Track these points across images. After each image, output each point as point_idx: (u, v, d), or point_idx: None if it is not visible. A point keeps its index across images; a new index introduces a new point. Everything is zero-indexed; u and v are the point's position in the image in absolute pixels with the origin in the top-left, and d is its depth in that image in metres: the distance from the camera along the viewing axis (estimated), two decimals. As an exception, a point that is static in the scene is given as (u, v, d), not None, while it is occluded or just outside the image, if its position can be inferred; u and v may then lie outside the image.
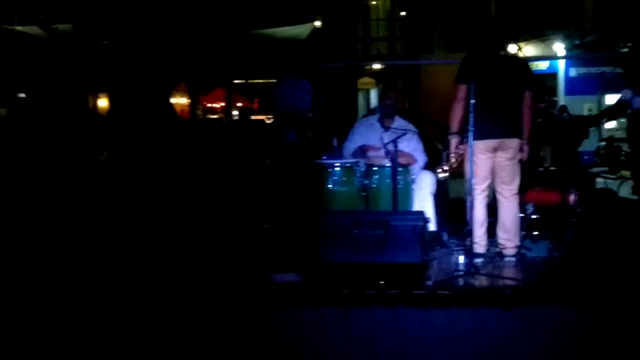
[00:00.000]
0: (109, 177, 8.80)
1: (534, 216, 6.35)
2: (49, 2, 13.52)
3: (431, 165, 6.35)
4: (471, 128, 5.32)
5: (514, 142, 5.76)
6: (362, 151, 6.43)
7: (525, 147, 5.79)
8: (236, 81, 27.96)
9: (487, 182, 5.82)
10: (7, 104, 16.84)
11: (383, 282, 4.92)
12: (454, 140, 5.75)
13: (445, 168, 5.76)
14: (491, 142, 5.71)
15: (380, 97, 6.86)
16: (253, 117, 25.95)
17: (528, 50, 16.40)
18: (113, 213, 7.53)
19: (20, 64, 10.68)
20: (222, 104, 30.61)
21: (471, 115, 5.31)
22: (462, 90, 5.63)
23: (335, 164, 6.16)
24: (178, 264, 5.66)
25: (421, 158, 6.50)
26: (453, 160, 5.73)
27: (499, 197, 5.88)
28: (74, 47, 10.22)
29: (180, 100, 28.70)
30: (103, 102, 20.53)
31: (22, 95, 17.55)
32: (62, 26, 11.21)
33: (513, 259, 5.77)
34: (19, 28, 16.97)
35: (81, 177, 9.08)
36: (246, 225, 7.16)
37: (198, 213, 8.09)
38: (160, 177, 9.22)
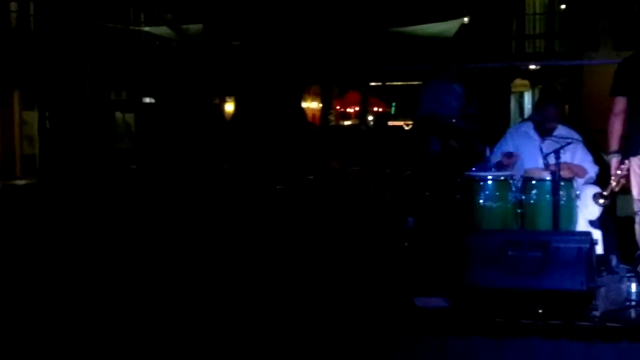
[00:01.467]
0: (231, 189, 9.10)
1: None
2: (179, 1, 14.10)
3: (596, 182, 6.16)
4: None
5: None
6: (505, 160, 6.28)
7: None
8: (372, 83, 28.13)
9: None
10: (135, 109, 17.72)
11: (542, 311, 4.82)
12: (614, 160, 5.56)
13: (606, 194, 5.56)
14: None
15: (538, 108, 6.69)
16: (390, 123, 26.00)
17: None
18: (238, 229, 7.79)
19: (147, 66, 11.22)
20: (357, 108, 30.89)
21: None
22: (620, 102, 5.45)
23: (488, 177, 6.08)
24: (313, 280, 5.78)
25: (592, 169, 6.29)
26: (614, 184, 5.52)
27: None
28: (204, 49, 10.63)
29: (311, 105, 29.26)
30: (229, 107, 21.26)
31: (149, 100, 18.43)
32: (192, 26, 11.67)
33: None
34: (146, 29, 17.78)
35: (204, 188, 9.44)
36: (384, 243, 7.19)
37: (331, 227, 8.21)
38: (288, 189, 9.44)
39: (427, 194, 7.02)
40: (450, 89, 7.13)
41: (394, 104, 31.04)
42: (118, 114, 18.65)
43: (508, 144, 6.52)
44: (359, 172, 11.87)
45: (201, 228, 8.02)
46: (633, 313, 4.93)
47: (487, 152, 6.26)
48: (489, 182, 6.07)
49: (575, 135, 6.35)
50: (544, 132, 6.34)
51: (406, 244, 6.82)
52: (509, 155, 6.21)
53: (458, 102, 7.06)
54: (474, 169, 6.27)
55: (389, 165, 11.58)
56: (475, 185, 6.09)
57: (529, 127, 6.52)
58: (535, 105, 6.78)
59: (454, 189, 6.35)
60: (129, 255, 6.86)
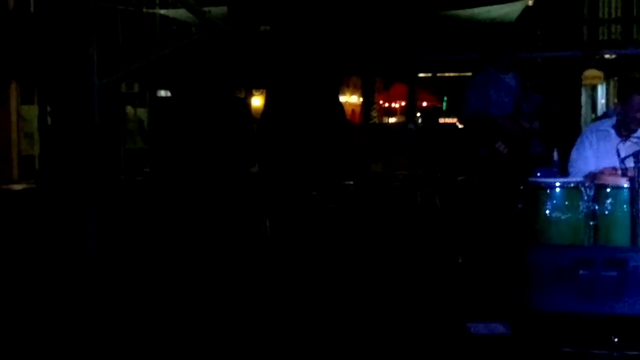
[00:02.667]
0: (259, 196, 9.13)
1: None
2: (199, -21, 14.22)
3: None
4: None
5: None
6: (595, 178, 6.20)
7: None
8: (421, 75, 28.06)
9: None
10: (148, 103, 17.86)
11: (618, 339, 4.77)
12: None
13: None
14: None
15: (621, 101, 6.60)
16: (441, 121, 25.95)
17: None
18: (268, 242, 7.82)
19: (163, 55, 11.27)
20: (403, 103, 30.88)
21: None
22: None
23: (555, 184, 6.04)
24: (353, 301, 5.78)
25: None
26: None
27: None
28: (228, 34, 10.69)
29: (350, 99, 29.30)
30: (257, 101, 21.35)
31: (164, 93, 18.55)
32: (215, 9, 11.73)
33: None
34: (162, 11, 17.87)
35: (228, 195, 9.48)
36: (434, 258, 7.18)
37: (373, 239, 8.22)
38: (324, 195, 9.45)
39: (484, 202, 6.98)
40: (499, 83, 7.07)
41: (445, 98, 30.94)
42: (129, 109, 18.81)
43: (584, 148, 6.41)
44: (405, 177, 11.86)
45: (225, 241, 8.06)
46: None
47: (555, 155, 6.22)
48: (557, 189, 6.02)
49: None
50: (627, 130, 6.25)
51: (460, 260, 6.80)
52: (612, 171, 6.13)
53: (510, 97, 6.99)
54: (538, 174, 6.23)
55: (439, 169, 11.55)
56: (540, 193, 6.04)
57: (608, 125, 6.44)
58: (619, 98, 6.70)
59: (515, 198, 6.31)
60: (140, 278, 6.94)
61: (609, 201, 5.94)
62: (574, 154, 6.41)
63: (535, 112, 6.94)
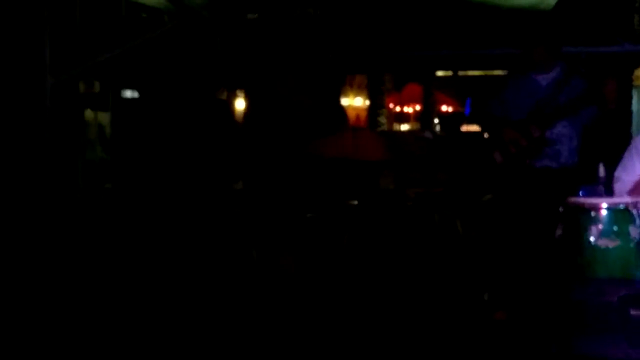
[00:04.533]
0: (245, 218, 9.12)
1: None
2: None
3: None
4: None
5: None
6: None
7: None
8: (440, 73, 28.12)
9: None
10: (111, 105, 17.83)
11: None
12: None
13: None
14: None
15: None
16: (464, 128, 25.98)
17: None
18: (255, 275, 7.83)
19: (129, 48, 11.25)
20: (418, 107, 30.92)
21: None
22: None
23: (601, 205, 6.03)
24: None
25: None
26: None
27: None
28: (208, 23, 10.71)
29: (354, 102, 29.31)
30: (242, 104, 21.37)
31: (130, 94, 18.58)
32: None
33: None
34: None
35: (208, 217, 9.47)
36: (456, 294, 7.18)
37: (381, 270, 8.22)
38: (322, 217, 9.44)
39: (514, 227, 6.99)
40: (524, 83, 7.13)
41: (468, 101, 30.98)
42: (89, 113, 18.78)
43: (635, 163, 6.44)
44: (421, 195, 11.84)
45: (204, 275, 8.06)
46: None
47: (601, 171, 6.22)
48: (603, 211, 6.02)
49: None
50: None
51: (485, 298, 6.80)
52: None
53: (532, 99, 7.03)
54: (582, 192, 6.23)
55: (461, 186, 11.54)
56: (582, 217, 6.03)
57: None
58: None
59: (553, 222, 6.31)
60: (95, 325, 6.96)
61: (666, 226, 5.95)
62: (620, 169, 6.42)
63: (570, 105, 6.94)
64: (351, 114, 26.53)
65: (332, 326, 6.72)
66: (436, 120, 29.86)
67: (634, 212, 6.00)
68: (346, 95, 28.14)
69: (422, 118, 30.23)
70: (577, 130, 7.08)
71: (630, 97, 24.31)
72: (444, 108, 31.54)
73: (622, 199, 6.14)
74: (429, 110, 29.91)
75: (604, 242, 5.99)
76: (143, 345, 6.35)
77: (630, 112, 23.56)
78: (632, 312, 5.07)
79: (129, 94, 18.57)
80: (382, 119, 26.88)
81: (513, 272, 6.77)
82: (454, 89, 30.90)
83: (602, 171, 6.26)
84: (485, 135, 7.52)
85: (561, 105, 6.92)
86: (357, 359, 6.11)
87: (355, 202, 10.33)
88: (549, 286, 6.02)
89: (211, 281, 8.04)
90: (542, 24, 7.48)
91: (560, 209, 6.21)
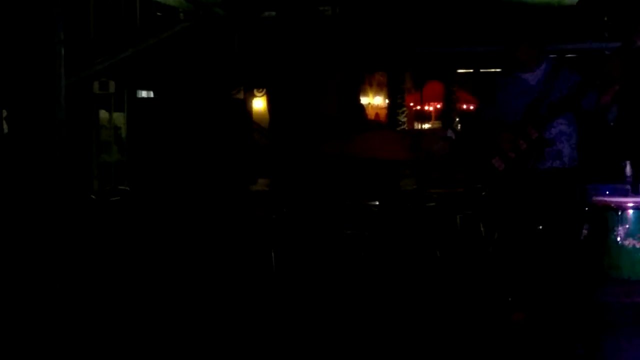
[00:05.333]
0: (262, 219, 9.11)
1: None
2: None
3: None
4: None
5: None
6: None
7: None
8: (461, 70, 28.08)
9: None
10: (126, 106, 17.86)
11: None
12: None
13: None
14: None
15: None
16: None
17: None
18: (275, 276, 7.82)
19: (144, 47, 11.27)
20: (439, 105, 30.88)
21: None
22: None
23: (628, 204, 6.02)
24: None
25: None
26: None
27: None
28: (224, 22, 10.73)
29: (374, 101, 29.29)
30: (259, 103, 21.37)
31: (145, 94, 18.61)
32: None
33: None
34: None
35: (225, 218, 9.47)
36: (479, 297, 7.17)
37: (401, 274, 8.21)
38: (341, 218, 9.43)
39: (537, 228, 6.96)
40: (513, 84, 7.05)
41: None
42: (103, 114, 18.81)
43: None
44: (442, 196, 11.80)
45: (220, 277, 8.06)
46: None
47: (628, 170, 6.20)
48: (630, 211, 6.00)
49: None
50: None
51: (510, 300, 6.77)
52: None
53: (524, 99, 6.93)
54: (607, 191, 6.21)
55: (484, 186, 11.49)
56: (609, 216, 6.02)
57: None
58: None
59: (579, 222, 6.29)
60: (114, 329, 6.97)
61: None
62: None
63: (564, 101, 6.85)
64: (371, 113, 26.53)
65: (351, 326, 6.71)
66: (457, 119, 29.78)
67: (663, 211, 6.00)
68: (365, 94, 28.13)
69: (443, 116, 30.18)
70: (574, 126, 6.95)
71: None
72: (465, 106, 31.47)
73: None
74: (450, 108, 29.84)
75: (630, 242, 5.97)
76: (162, 339, 6.38)
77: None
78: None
79: (144, 94, 18.60)
80: (402, 118, 26.84)
81: (536, 274, 6.74)
82: (475, 87, 30.84)
83: (628, 170, 6.24)
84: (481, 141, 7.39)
85: (555, 103, 6.81)
86: (377, 357, 6.11)
87: (376, 203, 10.31)
88: (575, 287, 6.01)
89: (227, 282, 8.05)
90: (524, 21, 7.31)
91: (586, 209, 6.20)
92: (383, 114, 28.82)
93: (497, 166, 6.87)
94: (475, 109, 7.45)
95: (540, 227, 6.71)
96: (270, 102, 13.44)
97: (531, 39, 6.89)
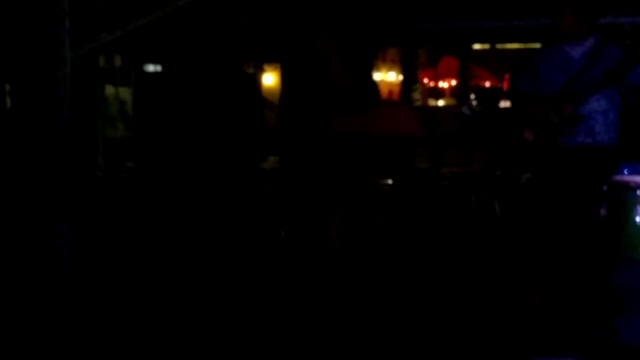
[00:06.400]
0: (273, 198, 9.11)
1: None
2: None
3: None
4: None
5: None
6: None
7: None
8: (477, 46, 27.96)
9: None
10: (133, 80, 17.87)
11: None
12: None
13: None
14: None
15: None
16: (502, 104, 25.85)
17: None
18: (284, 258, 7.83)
19: (151, 20, 11.23)
20: (454, 82, 30.78)
21: None
22: None
23: (647, 183, 6.01)
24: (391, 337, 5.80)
25: None
26: None
27: None
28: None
29: (387, 77, 29.21)
30: (269, 79, 21.35)
31: (153, 68, 18.60)
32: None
33: None
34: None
35: (234, 196, 9.47)
36: (495, 276, 7.17)
37: (413, 252, 8.21)
38: (353, 198, 9.43)
39: (555, 207, 6.95)
40: (555, 56, 7.00)
41: (507, 76, 30.79)
42: (109, 89, 18.84)
43: None
44: (457, 176, 11.81)
45: (228, 257, 8.07)
46: None
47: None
48: (652, 190, 5.99)
49: None
50: None
51: (526, 280, 6.78)
52: None
53: (564, 73, 6.89)
54: (626, 169, 6.19)
55: (499, 164, 11.49)
56: (629, 196, 6.01)
57: None
58: None
59: (597, 201, 6.27)
60: (121, 309, 6.99)
61: None
62: None
63: (605, 78, 6.81)
64: (384, 90, 26.45)
65: (364, 306, 6.72)
66: (472, 96, 29.68)
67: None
68: (378, 70, 28.06)
69: (458, 93, 30.04)
70: (615, 104, 6.91)
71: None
72: (481, 83, 31.36)
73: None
74: (465, 85, 29.71)
75: (651, 223, 5.96)
76: (168, 319, 6.41)
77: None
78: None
79: (151, 68, 18.61)
80: (416, 95, 26.78)
81: (553, 255, 6.74)
82: (491, 63, 30.71)
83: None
84: (515, 113, 7.40)
85: (596, 79, 6.77)
86: (389, 337, 6.13)
87: (389, 181, 10.31)
88: (592, 268, 6.00)
89: (236, 261, 8.06)
90: None
91: (604, 188, 6.18)
92: (396, 90, 28.75)
93: (527, 138, 6.87)
94: (510, 80, 7.40)
95: (563, 204, 6.71)
96: (283, 77, 13.39)
97: (579, 9, 6.85)
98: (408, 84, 26.86)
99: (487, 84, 31.07)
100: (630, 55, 6.69)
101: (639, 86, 6.76)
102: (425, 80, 30.74)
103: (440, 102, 31.11)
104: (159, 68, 17.81)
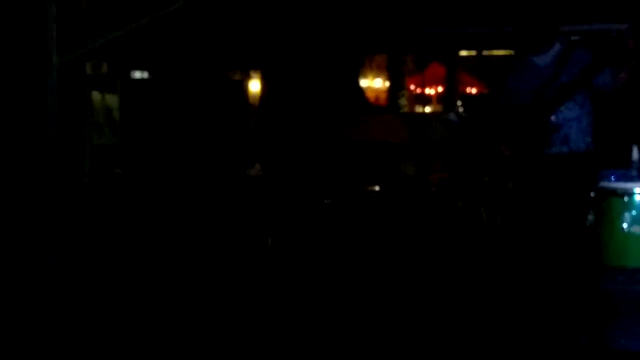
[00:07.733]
0: (261, 204, 9.10)
1: None
2: None
3: None
4: None
5: None
6: None
7: None
8: (464, 53, 28.02)
9: None
10: (119, 87, 17.81)
11: None
12: None
13: None
14: None
15: None
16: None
17: None
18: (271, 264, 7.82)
19: (138, 27, 11.22)
20: (441, 89, 30.82)
21: None
22: None
23: (635, 190, 6.01)
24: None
25: None
26: None
27: None
28: (221, 2, 10.69)
29: (374, 83, 29.22)
30: (256, 86, 21.35)
31: (140, 75, 18.57)
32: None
33: None
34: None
35: (221, 204, 9.46)
36: (481, 284, 7.18)
37: (399, 260, 8.22)
38: (340, 204, 9.43)
39: (542, 214, 6.96)
40: (523, 67, 7.01)
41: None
42: (96, 96, 18.79)
43: None
44: (444, 182, 11.81)
45: (216, 263, 8.06)
46: None
47: (636, 154, 6.18)
48: (638, 197, 5.99)
49: None
50: None
51: (513, 288, 6.78)
52: None
53: (533, 84, 6.89)
54: (612, 176, 6.19)
55: (487, 171, 11.50)
56: (616, 203, 6.01)
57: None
58: None
59: (584, 208, 6.28)
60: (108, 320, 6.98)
61: None
62: None
63: (575, 83, 6.81)
64: (371, 96, 26.46)
65: (350, 314, 6.73)
66: (459, 103, 29.70)
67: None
68: (365, 76, 28.06)
69: (445, 100, 30.06)
70: (587, 111, 6.90)
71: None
72: (468, 90, 31.39)
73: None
74: (453, 91, 29.72)
75: (636, 229, 5.96)
76: (159, 328, 6.40)
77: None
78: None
79: (138, 75, 18.57)
80: (403, 101, 26.77)
81: (540, 261, 6.74)
82: (478, 70, 30.76)
83: (636, 154, 6.22)
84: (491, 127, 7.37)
85: (565, 85, 6.76)
86: (379, 344, 6.13)
87: (377, 188, 10.31)
88: (578, 276, 6.00)
89: (223, 269, 8.05)
90: (535, 3, 7.22)
91: (592, 195, 6.19)
92: (383, 97, 28.75)
93: (504, 152, 6.87)
94: (488, 93, 7.41)
95: (545, 214, 6.71)
96: (265, 85, 13.39)
97: (542, 20, 6.84)
98: (395, 91, 26.87)
99: (474, 91, 31.15)
100: (600, 58, 6.69)
101: (609, 90, 6.77)
102: (413, 87, 30.78)
103: (428, 109, 31.15)
104: (146, 75, 17.78)
